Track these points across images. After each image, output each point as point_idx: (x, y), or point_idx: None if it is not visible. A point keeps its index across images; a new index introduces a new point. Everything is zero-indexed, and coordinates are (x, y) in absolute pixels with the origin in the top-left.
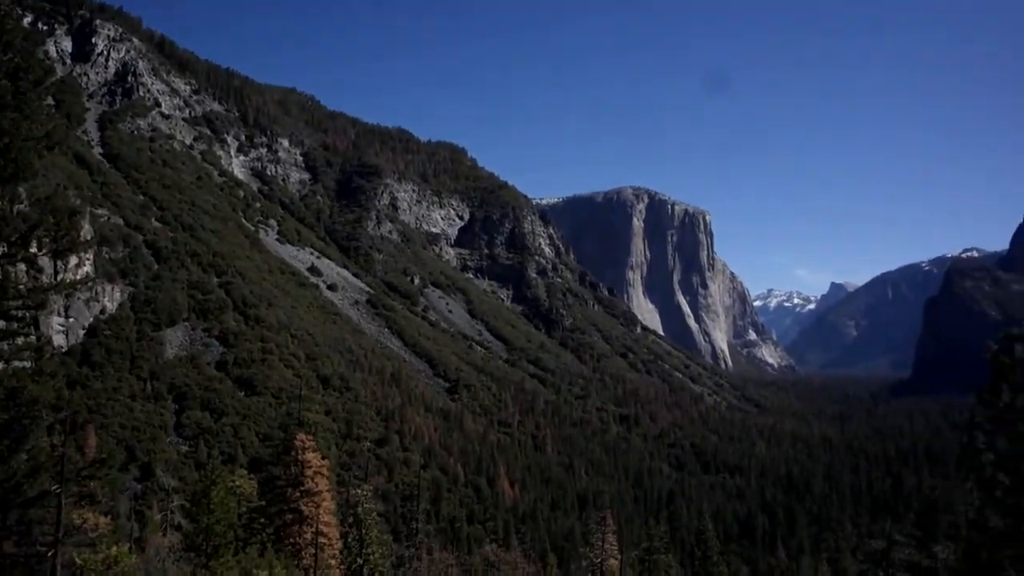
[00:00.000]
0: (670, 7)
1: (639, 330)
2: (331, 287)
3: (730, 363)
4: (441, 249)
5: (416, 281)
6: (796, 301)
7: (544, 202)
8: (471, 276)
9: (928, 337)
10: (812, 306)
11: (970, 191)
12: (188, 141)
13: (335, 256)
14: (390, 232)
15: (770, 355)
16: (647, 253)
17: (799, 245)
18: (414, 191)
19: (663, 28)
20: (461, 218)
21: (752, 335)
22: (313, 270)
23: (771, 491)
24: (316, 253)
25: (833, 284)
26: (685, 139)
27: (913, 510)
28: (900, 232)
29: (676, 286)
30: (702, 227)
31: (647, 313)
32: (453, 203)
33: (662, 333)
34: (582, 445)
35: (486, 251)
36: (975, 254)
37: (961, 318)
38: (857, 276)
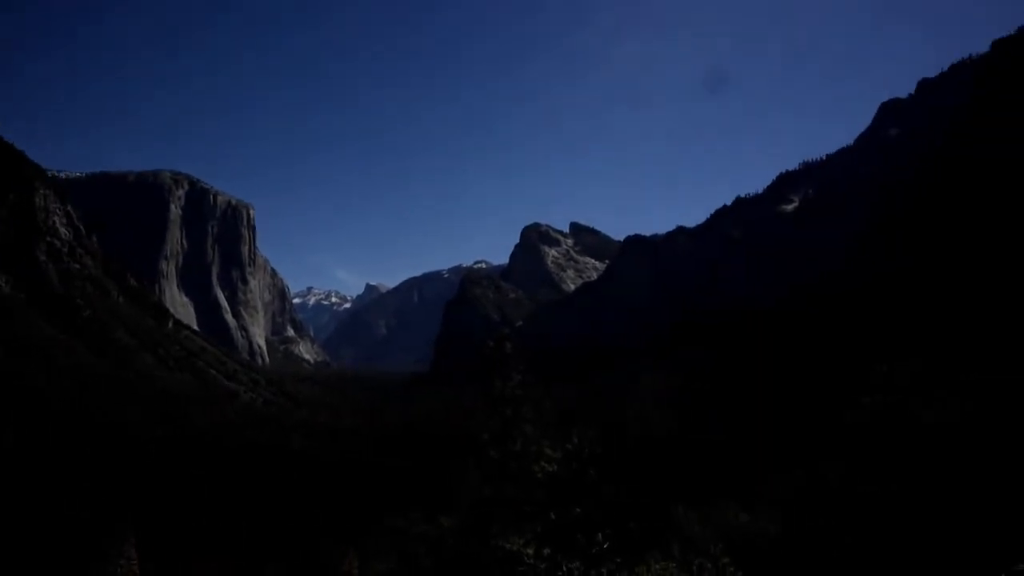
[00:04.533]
0: None
1: (171, 325)
2: None
3: (267, 359)
4: None
5: None
6: (334, 300)
7: (63, 176)
8: None
9: (446, 335)
10: (348, 305)
11: (484, 209)
12: None
13: None
14: None
15: (307, 351)
16: (184, 243)
17: (339, 247)
18: None
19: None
20: None
21: (291, 332)
22: None
23: (309, 484)
24: None
25: (368, 285)
26: (236, 127)
27: (427, 487)
28: (426, 242)
29: (215, 280)
30: (245, 221)
31: (181, 307)
32: None
33: (197, 328)
34: (98, 453)
35: None
36: (484, 266)
37: (472, 319)
38: (390, 279)
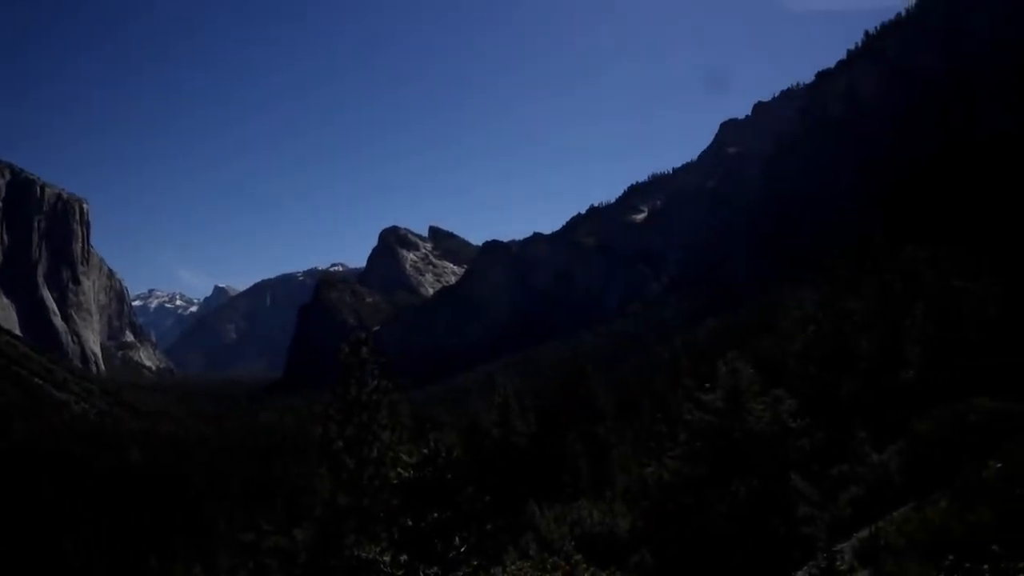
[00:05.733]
0: None
1: None
2: None
3: (103, 367)
4: None
5: None
6: (179, 303)
7: None
8: None
9: (300, 340)
10: (195, 308)
11: (341, 211)
12: None
13: None
14: None
15: (148, 358)
16: (5, 238)
17: (185, 247)
18: None
19: None
20: None
21: (130, 337)
22: None
23: (150, 500)
24: None
25: (217, 288)
26: (68, 113)
27: (280, 499)
28: (279, 243)
29: (41, 280)
30: (78, 216)
31: (1, 309)
32: None
33: (19, 333)
34: None
35: None
36: (341, 268)
37: (327, 324)
38: (240, 281)
